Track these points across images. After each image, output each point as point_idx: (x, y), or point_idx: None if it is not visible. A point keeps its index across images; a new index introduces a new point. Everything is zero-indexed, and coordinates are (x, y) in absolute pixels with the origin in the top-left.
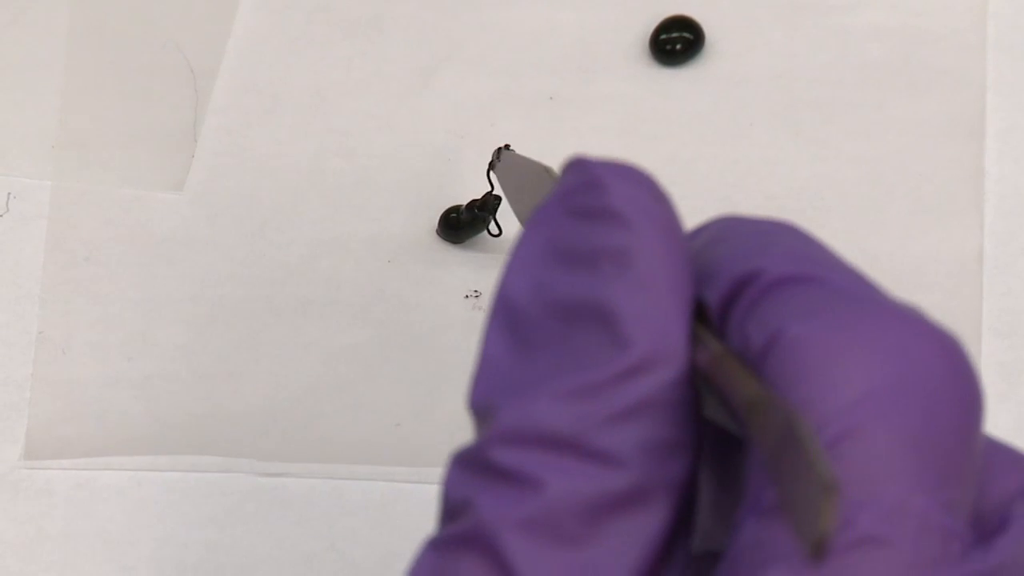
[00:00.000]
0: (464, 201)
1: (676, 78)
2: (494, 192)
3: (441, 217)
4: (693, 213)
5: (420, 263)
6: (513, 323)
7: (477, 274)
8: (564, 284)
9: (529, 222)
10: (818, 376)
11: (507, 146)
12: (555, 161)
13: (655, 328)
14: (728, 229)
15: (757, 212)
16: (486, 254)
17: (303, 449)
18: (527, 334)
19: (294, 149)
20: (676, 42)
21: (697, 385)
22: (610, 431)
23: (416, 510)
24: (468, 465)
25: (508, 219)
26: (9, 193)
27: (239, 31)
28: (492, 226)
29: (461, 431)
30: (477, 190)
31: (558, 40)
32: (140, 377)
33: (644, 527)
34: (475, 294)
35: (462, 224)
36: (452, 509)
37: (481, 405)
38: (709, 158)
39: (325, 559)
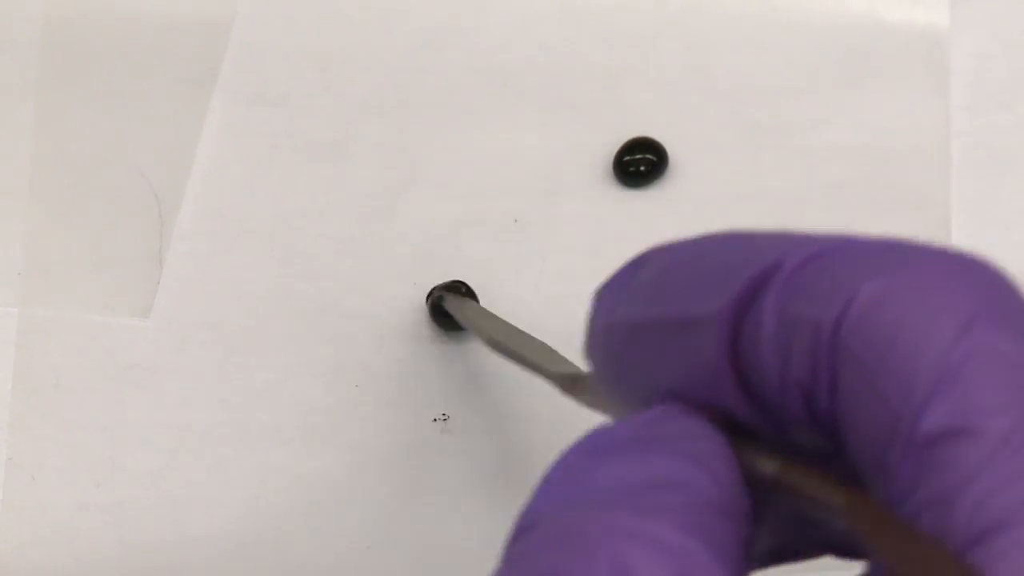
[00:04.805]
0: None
1: (640, 199)
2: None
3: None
4: None
5: (388, 387)
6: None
7: (445, 398)
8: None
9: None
10: (917, 325)
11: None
12: (524, 288)
13: None
14: (678, 254)
15: None
16: (453, 378)
17: (274, 574)
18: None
19: (260, 274)
20: (640, 164)
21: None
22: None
23: None
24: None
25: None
26: None
27: (203, 157)
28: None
29: (432, 553)
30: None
31: (522, 162)
32: (110, 503)
33: None
34: (443, 417)
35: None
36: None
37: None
38: None
39: None
